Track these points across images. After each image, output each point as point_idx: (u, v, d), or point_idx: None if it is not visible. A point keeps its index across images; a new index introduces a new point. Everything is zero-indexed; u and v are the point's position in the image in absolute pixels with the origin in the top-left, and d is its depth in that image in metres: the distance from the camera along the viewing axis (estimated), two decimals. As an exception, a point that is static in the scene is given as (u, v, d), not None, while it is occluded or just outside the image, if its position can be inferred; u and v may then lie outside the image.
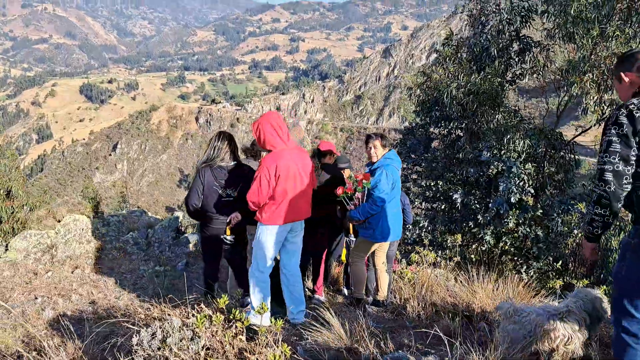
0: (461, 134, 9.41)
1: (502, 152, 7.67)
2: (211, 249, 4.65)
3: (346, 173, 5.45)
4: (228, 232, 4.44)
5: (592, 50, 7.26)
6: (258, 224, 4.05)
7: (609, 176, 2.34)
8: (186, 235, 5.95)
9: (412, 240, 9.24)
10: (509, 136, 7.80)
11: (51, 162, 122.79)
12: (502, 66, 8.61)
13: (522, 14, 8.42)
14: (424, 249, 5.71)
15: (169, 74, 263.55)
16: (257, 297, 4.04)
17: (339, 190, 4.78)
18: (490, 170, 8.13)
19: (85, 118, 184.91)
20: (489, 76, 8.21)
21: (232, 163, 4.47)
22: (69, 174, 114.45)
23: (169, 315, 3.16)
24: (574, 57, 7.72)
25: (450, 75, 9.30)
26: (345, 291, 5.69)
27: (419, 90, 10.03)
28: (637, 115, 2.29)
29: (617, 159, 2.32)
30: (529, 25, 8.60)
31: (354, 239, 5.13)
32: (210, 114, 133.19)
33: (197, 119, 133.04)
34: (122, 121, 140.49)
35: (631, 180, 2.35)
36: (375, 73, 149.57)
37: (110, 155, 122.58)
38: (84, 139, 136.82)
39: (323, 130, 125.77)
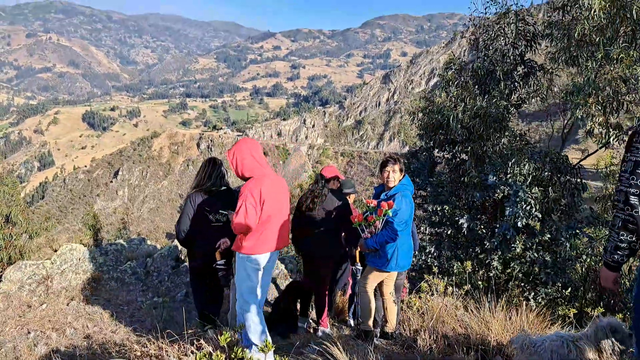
0: (465, 157, 9.27)
1: (509, 175, 7.52)
2: (200, 278, 4.55)
3: (351, 198, 5.29)
4: (218, 256, 4.36)
5: (597, 73, 7.18)
6: (237, 255, 3.83)
7: (634, 200, 2.16)
8: (186, 264, 5.76)
9: (418, 266, 9.03)
10: (514, 159, 7.67)
11: (52, 189, 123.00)
12: (507, 90, 8.52)
13: (528, 38, 8.38)
14: (433, 277, 5.52)
15: (171, 101, 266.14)
16: (255, 333, 3.78)
17: (355, 218, 4.57)
18: (496, 195, 7.98)
19: (87, 145, 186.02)
20: (495, 99, 8.12)
21: (223, 188, 4.47)
22: (70, 201, 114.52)
23: (166, 352, 2.98)
24: (578, 80, 7.64)
25: (454, 98, 9.22)
26: (352, 322, 5.46)
27: (422, 114, 9.92)
28: None
29: None
30: (534, 50, 8.55)
31: (360, 268, 4.94)
32: (211, 140, 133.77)
33: (198, 145, 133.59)
34: (123, 148, 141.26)
35: None
36: (375, 98, 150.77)
37: (111, 182, 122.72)
38: (85, 166, 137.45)
39: (324, 155, 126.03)
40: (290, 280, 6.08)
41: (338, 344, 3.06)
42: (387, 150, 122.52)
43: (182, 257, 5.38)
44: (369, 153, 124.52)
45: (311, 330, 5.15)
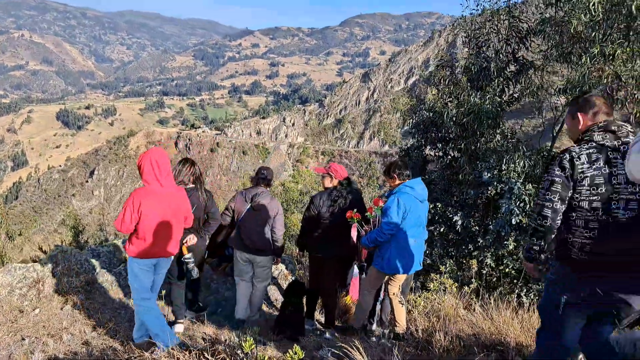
0: (457, 155, 9.24)
1: (503, 172, 7.50)
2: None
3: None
4: (185, 251, 4.56)
5: (593, 69, 7.19)
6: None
7: (547, 212, 2.56)
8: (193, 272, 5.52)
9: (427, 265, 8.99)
10: (508, 156, 7.65)
11: (26, 189, 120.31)
12: (500, 87, 8.52)
13: (520, 35, 8.38)
14: (440, 276, 5.45)
15: (148, 99, 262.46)
16: (155, 324, 3.97)
17: (349, 214, 4.53)
18: (489, 192, 7.96)
19: (61, 144, 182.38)
20: (489, 95, 8.10)
21: (190, 186, 4.70)
22: (45, 201, 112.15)
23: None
24: (572, 77, 7.64)
25: (445, 96, 9.19)
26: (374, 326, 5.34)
27: (413, 112, 9.88)
28: (577, 163, 2.47)
29: (556, 198, 2.53)
30: (526, 48, 8.55)
31: (364, 264, 4.86)
32: (189, 139, 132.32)
33: (176, 144, 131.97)
34: (99, 147, 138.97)
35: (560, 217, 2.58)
36: (355, 97, 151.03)
37: (87, 181, 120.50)
38: (60, 166, 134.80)
39: (304, 154, 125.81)
40: (292, 280, 5.93)
41: (360, 347, 2.94)
42: (368, 149, 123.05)
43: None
44: (349, 152, 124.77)
45: (319, 332, 5.03)
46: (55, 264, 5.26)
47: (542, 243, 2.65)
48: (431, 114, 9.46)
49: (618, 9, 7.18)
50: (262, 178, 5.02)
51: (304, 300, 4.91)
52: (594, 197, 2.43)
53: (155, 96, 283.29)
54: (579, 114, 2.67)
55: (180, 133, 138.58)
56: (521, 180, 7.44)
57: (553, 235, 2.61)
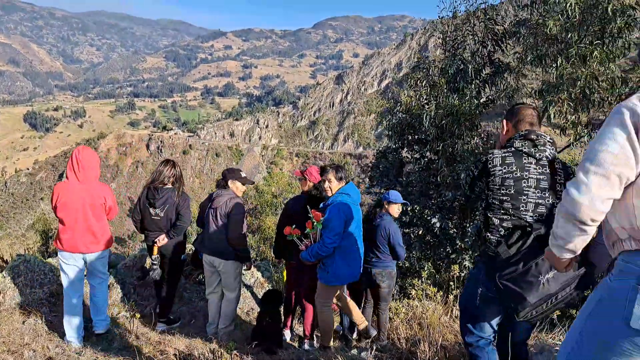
0: (435, 157, 9.18)
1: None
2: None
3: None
4: (155, 251, 4.81)
5: (570, 70, 7.19)
6: None
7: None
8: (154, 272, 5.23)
9: (404, 268, 8.85)
10: (485, 157, 7.59)
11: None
12: (477, 89, 8.47)
13: (496, 38, 8.35)
14: (420, 281, 5.32)
15: (118, 101, 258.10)
16: (67, 322, 4.20)
17: (287, 230, 4.24)
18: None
19: (29, 147, 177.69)
20: (467, 97, 8.06)
21: (168, 187, 4.84)
22: (12, 205, 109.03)
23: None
24: (548, 78, 7.64)
25: (422, 98, 9.11)
26: (354, 335, 5.13)
27: (389, 114, 9.78)
28: (490, 165, 2.62)
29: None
30: (502, 50, 8.53)
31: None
32: (161, 141, 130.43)
33: (147, 146, 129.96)
34: (68, 149, 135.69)
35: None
36: (329, 99, 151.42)
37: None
38: (27, 169, 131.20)
39: (278, 156, 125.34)
40: (268, 289, 5.71)
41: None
42: (342, 151, 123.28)
43: (148, 267, 4.95)
44: (323, 153, 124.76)
45: (296, 344, 4.83)
46: (17, 274, 4.93)
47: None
48: (408, 116, 9.38)
49: (593, 11, 7.21)
50: (223, 179, 4.85)
51: (282, 309, 4.71)
52: (505, 198, 2.57)
53: (126, 98, 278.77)
54: (504, 121, 2.86)
55: (152, 135, 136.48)
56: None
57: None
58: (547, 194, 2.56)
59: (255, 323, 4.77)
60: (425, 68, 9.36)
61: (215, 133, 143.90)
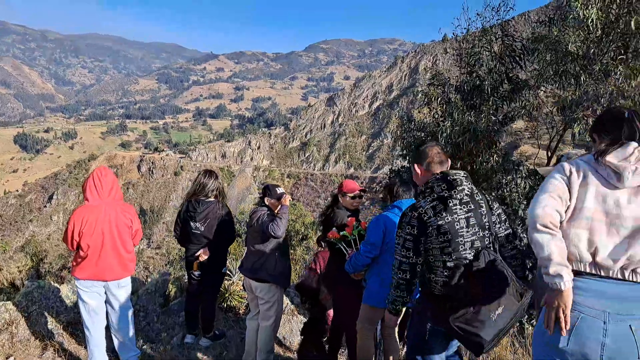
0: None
1: (506, 194, 7.21)
2: (189, 276, 4.83)
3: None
4: (195, 266, 4.64)
5: (592, 86, 7.04)
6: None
7: (406, 267, 2.75)
8: (175, 302, 4.89)
9: None
10: (510, 177, 7.37)
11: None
12: (494, 105, 8.28)
13: (514, 54, 8.21)
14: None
15: (110, 123, 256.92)
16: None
17: (330, 234, 4.06)
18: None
19: (19, 168, 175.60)
20: (484, 114, 7.87)
21: (211, 199, 4.65)
22: (0, 227, 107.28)
23: None
24: (571, 95, 7.47)
25: (437, 115, 8.92)
26: None
27: (404, 132, 9.55)
28: (424, 218, 2.67)
29: (411, 254, 2.73)
30: (521, 67, 8.38)
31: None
32: (153, 162, 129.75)
33: (139, 168, 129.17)
34: (58, 171, 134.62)
35: (420, 266, 2.77)
36: (321, 121, 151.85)
37: (45, 206, 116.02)
38: (17, 190, 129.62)
39: (270, 177, 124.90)
40: (300, 316, 5.34)
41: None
42: (333, 172, 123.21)
43: (171, 294, 4.62)
44: (315, 174, 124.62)
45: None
46: (30, 301, 4.55)
47: (405, 294, 2.82)
48: (422, 134, 9.16)
49: (614, 25, 7.09)
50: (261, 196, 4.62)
51: (324, 342, 4.34)
52: (445, 244, 2.64)
53: (118, 119, 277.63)
54: (415, 165, 2.95)
55: (144, 157, 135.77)
56: (525, 203, 7.16)
57: (414, 287, 2.83)
58: (477, 229, 2.67)
59: (298, 353, 4.38)
60: (441, 84, 9.18)
61: (207, 154, 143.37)
